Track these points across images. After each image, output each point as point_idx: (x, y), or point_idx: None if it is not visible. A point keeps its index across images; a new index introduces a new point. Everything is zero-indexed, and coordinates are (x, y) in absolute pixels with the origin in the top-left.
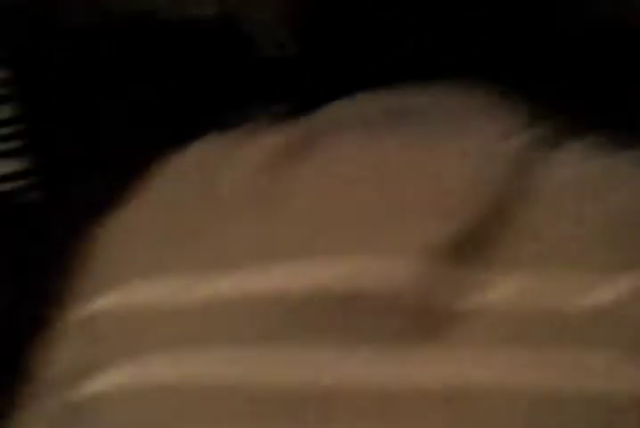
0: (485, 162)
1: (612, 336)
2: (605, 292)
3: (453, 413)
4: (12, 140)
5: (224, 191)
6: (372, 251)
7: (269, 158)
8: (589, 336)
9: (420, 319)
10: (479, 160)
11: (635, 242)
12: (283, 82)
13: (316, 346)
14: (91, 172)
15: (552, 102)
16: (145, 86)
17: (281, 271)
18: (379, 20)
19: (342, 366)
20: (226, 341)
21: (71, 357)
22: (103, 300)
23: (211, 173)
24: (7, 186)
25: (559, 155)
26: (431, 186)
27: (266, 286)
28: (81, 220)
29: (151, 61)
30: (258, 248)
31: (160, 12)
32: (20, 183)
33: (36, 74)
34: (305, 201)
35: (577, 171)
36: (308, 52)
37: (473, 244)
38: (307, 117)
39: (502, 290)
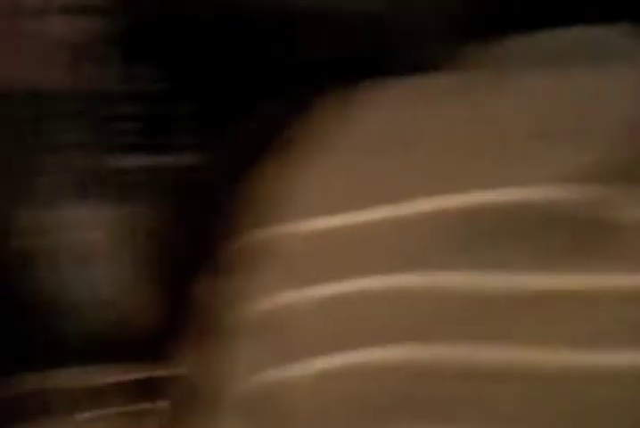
0: None
1: None
2: None
3: (607, 313)
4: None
5: (406, 131)
6: (546, 168)
7: (435, 95)
8: None
9: (585, 232)
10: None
11: None
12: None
13: (492, 254)
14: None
15: None
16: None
17: (455, 197)
18: None
19: (513, 271)
20: (422, 251)
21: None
22: (295, 227)
23: (391, 115)
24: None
25: None
26: (606, 114)
27: (448, 206)
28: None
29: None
30: (433, 178)
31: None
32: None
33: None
34: (469, 133)
35: None
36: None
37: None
38: (474, 58)
39: None
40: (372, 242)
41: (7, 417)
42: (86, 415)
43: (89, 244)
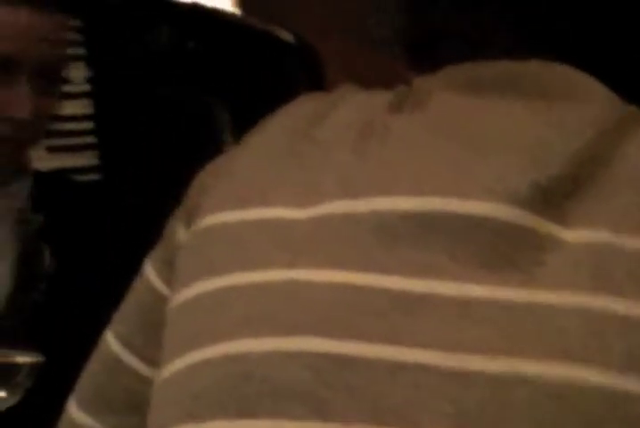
0: (582, 126)
1: None
2: None
3: (513, 326)
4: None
5: (325, 132)
6: (462, 189)
7: (374, 109)
8: None
9: (511, 247)
10: (576, 123)
11: None
12: None
13: (404, 257)
14: None
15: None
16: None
17: (377, 200)
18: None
19: (435, 276)
20: (331, 249)
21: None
22: (220, 217)
23: (319, 118)
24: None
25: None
26: (530, 142)
27: (361, 209)
28: None
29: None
30: (348, 182)
31: None
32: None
33: (112, 75)
34: (404, 142)
35: None
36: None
37: (555, 195)
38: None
39: (573, 236)
40: (299, 235)
41: None
42: None
43: None
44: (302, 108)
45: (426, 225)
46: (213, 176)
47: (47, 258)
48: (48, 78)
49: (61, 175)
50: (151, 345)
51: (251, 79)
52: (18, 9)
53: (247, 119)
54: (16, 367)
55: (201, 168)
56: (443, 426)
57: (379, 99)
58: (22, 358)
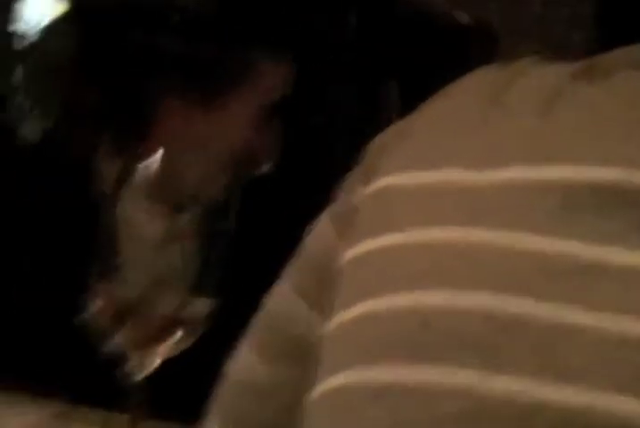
0: None
1: None
2: None
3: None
4: None
5: (513, 96)
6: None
7: (560, 76)
8: None
9: None
10: None
11: None
12: None
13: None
14: None
15: None
16: None
17: (561, 168)
18: None
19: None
20: (510, 217)
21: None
22: (399, 178)
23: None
24: None
25: None
26: None
27: (544, 176)
28: None
29: None
30: (533, 147)
31: None
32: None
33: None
34: (592, 109)
35: None
36: None
37: None
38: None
39: None
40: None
41: None
42: None
43: None
44: (487, 75)
45: (611, 195)
46: (393, 138)
47: (232, 216)
48: None
49: None
50: (322, 296)
51: (423, 59)
52: (283, 63)
53: (415, 98)
54: (194, 311)
55: (365, 143)
56: (622, 389)
57: (564, 68)
58: (200, 303)
